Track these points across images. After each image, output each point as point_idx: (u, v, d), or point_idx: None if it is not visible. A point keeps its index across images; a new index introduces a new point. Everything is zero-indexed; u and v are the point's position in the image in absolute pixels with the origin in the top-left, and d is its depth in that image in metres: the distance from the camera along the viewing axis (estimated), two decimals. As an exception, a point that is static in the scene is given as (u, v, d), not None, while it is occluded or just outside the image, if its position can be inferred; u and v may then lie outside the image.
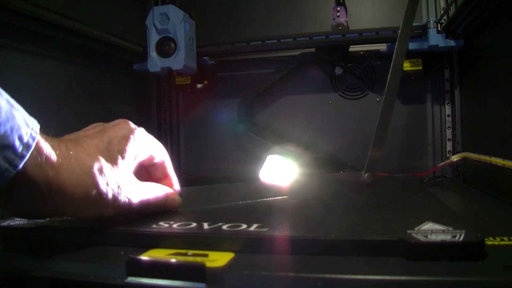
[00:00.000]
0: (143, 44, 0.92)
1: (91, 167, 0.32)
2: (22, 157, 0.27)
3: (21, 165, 0.27)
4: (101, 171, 0.33)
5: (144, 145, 0.39)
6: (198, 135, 1.12)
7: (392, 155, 0.96)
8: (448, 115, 0.93)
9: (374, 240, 0.31)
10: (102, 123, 0.39)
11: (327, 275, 0.28)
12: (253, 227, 0.36)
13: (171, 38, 0.89)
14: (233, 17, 1.06)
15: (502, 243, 0.35)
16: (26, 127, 0.28)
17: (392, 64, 0.57)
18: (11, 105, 0.27)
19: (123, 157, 0.36)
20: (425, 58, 0.88)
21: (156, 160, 0.42)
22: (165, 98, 1.12)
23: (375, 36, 0.86)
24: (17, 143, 0.27)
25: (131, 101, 1.02)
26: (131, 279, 0.29)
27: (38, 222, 0.41)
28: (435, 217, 0.37)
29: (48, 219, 0.40)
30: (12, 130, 0.26)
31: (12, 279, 0.35)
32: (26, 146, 0.27)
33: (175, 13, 0.89)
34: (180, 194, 0.46)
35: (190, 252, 0.33)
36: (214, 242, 0.34)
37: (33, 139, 0.28)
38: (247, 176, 0.60)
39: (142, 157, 0.39)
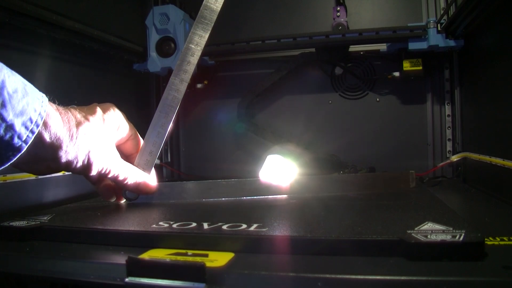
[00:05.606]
0: (143, 44, 0.92)
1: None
2: (37, 125, 0.35)
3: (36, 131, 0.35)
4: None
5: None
6: (198, 135, 1.11)
7: (392, 155, 0.96)
8: (448, 115, 0.93)
9: (374, 240, 0.31)
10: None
11: (327, 275, 0.28)
12: (253, 227, 0.36)
13: (171, 38, 0.89)
14: (233, 17, 1.06)
15: (502, 243, 0.35)
16: (38, 100, 0.36)
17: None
18: (25, 84, 0.36)
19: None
20: (425, 58, 0.88)
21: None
22: (165, 98, 1.12)
23: (375, 36, 0.86)
24: (33, 114, 0.35)
25: (131, 101, 1.02)
26: (131, 279, 0.30)
27: (38, 222, 0.41)
28: (435, 217, 0.37)
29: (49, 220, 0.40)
30: (28, 104, 0.35)
31: (12, 279, 0.35)
32: (40, 115, 0.36)
33: (175, 13, 0.89)
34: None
35: (190, 252, 0.33)
36: (214, 242, 0.34)
37: (44, 110, 0.36)
38: (247, 176, 0.60)
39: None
